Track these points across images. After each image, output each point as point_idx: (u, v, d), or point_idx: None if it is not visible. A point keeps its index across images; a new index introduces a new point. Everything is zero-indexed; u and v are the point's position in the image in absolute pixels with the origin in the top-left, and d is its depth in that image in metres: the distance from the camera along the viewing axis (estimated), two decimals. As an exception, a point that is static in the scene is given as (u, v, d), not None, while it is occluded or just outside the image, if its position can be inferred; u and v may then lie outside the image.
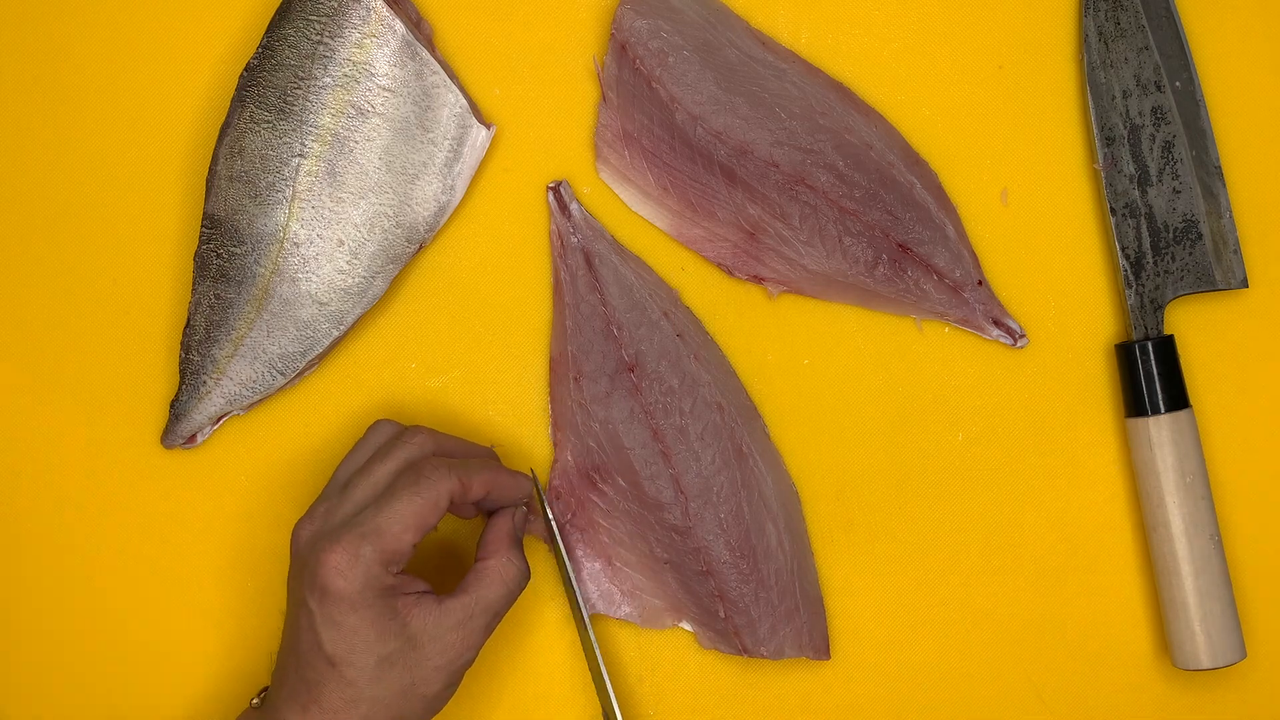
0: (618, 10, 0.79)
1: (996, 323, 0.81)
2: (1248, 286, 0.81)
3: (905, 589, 0.81)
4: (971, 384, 0.82)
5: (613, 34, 0.79)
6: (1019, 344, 0.81)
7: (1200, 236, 0.80)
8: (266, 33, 0.78)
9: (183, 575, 0.81)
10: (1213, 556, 0.78)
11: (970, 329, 0.81)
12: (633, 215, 0.81)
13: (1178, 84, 0.81)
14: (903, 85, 0.82)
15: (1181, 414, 0.79)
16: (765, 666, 0.81)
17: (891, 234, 0.79)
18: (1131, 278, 0.80)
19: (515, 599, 0.73)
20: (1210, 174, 0.81)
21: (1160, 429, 0.79)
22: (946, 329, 0.82)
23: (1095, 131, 0.81)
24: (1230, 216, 0.81)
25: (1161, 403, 0.79)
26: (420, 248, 0.79)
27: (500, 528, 0.74)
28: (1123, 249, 0.81)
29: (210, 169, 0.78)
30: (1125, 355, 0.80)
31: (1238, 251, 0.81)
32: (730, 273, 0.81)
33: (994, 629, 0.81)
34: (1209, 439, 0.81)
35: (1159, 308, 0.80)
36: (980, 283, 0.80)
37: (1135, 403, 0.79)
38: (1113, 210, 0.81)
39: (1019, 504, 0.81)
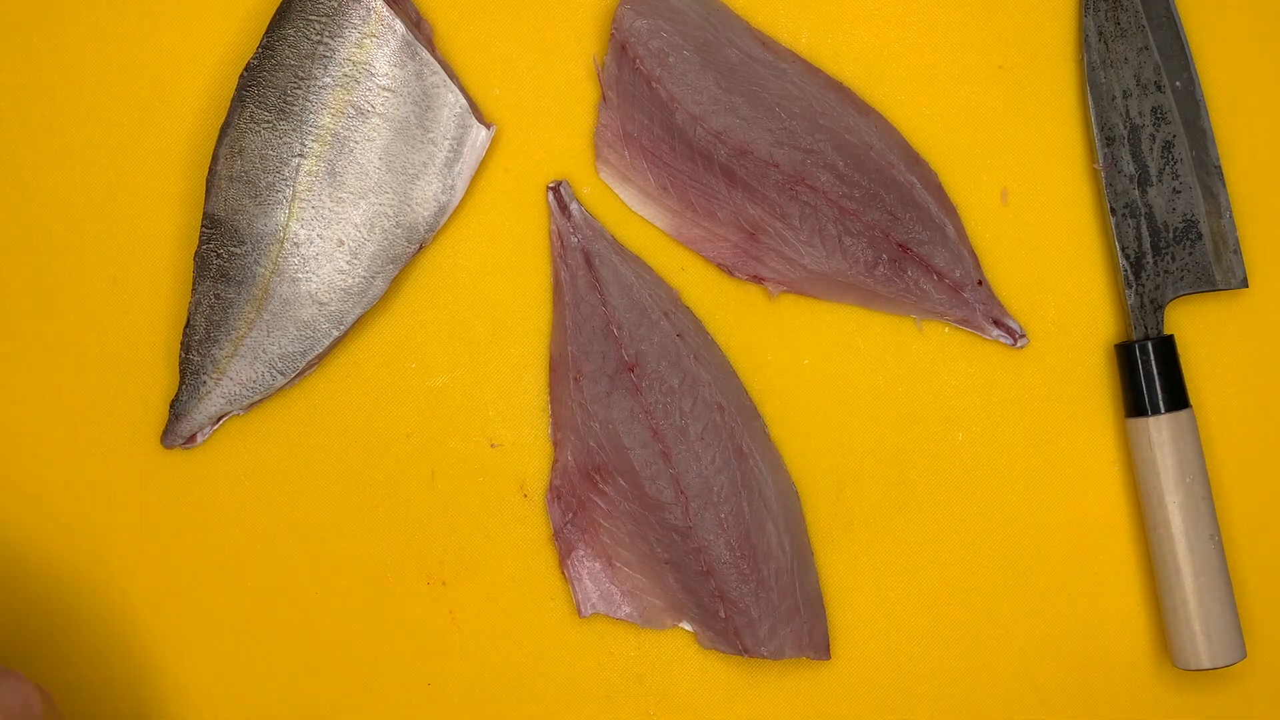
0: (618, 10, 0.79)
1: (996, 323, 0.81)
2: (1248, 286, 0.81)
3: (905, 589, 0.81)
4: (971, 384, 0.81)
5: (613, 34, 0.79)
6: (1019, 344, 0.81)
7: (1200, 236, 0.80)
8: (266, 33, 0.78)
9: (182, 575, 0.81)
10: (1213, 556, 0.78)
11: (970, 329, 0.81)
12: (633, 215, 0.81)
13: (1178, 84, 0.81)
14: (903, 85, 0.82)
15: (1181, 414, 0.79)
16: (765, 666, 0.81)
17: (891, 234, 0.79)
18: (1131, 278, 0.80)
19: None
20: (1210, 174, 0.81)
21: (1160, 429, 0.79)
22: (946, 329, 0.82)
23: (1095, 131, 0.81)
24: (1230, 216, 0.81)
25: (1161, 403, 0.79)
26: (420, 248, 0.79)
27: None
28: (1123, 249, 0.81)
29: (210, 169, 0.78)
30: (1125, 355, 0.80)
31: (1238, 251, 0.81)
32: (730, 273, 0.80)
33: (994, 629, 0.81)
34: (1209, 439, 0.81)
35: (1159, 308, 0.80)
36: (980, 283, 0.80)
37: (1135, 403, 0.79)
38: (1113, 210, 0.81)
39: (1019, 504, 0.81)
